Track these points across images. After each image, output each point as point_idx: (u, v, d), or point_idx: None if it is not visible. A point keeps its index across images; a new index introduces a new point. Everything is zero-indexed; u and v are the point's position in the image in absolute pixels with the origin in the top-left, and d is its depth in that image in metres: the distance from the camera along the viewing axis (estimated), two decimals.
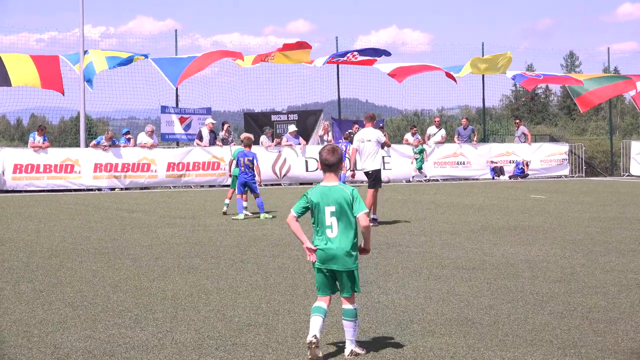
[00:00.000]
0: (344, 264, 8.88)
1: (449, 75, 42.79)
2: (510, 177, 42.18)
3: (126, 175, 35.76)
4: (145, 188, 35.80)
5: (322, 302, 8.94)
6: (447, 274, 13.50)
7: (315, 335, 8.57)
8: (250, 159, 23.25)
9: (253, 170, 23.27)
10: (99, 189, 35.39)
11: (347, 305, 8.93)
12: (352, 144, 23.05)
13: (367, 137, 21.70)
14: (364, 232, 9.03)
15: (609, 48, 52.47)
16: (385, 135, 23.04)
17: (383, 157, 40.23)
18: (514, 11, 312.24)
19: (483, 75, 45.81)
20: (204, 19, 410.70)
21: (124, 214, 24.21)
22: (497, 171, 42.35)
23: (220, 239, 18.41)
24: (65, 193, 33.86)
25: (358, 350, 8.83)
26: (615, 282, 12.78)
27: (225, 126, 39.18)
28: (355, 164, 21.66)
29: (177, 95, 40.90)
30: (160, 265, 14.67)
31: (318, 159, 9.28)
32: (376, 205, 21.73)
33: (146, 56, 38.98)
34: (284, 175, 38.38)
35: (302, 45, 40.17)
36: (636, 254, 15.65)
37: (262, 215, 22.92)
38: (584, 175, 45.55)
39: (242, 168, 23.16)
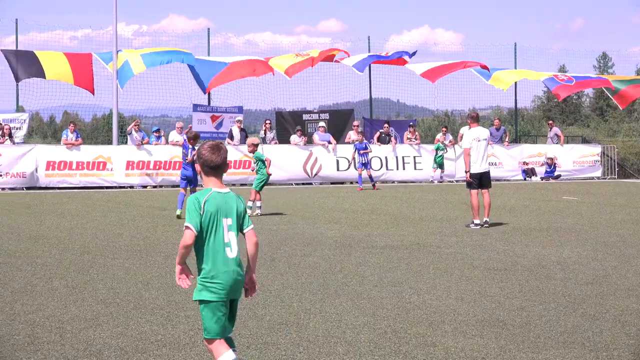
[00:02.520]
0: (240, 290, 7.42)
1: (483, 66, 42.73)
2: (542, 179, 42.02)
3: (158, 173, 35.91)
4: (177, 186, 35.90)
5: (232, 353, 7.29)
6: (478, 275, 13.47)
7: None
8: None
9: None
10: (131, 187, 35.57)
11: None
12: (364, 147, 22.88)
13: (483, 135, 21.10)
14: (253, 254, 7.47)
15: None
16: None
17: (415, 157, 40.29)
18: (547, 12, 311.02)
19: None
20: (236, 18, 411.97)
21: (156, 212, 24.31)
22: (529, 172, 42.19)
23: None
24: (97, 190, 34.04)
25: None
26: None
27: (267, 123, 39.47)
28: (469, 165, 20.95)
29: (209, 94, 41.02)
30: (192, 263, 14.68)
31: (196, 160, 7.46)
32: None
33: (190, 56, 39.06)
34: (315, 174, 38.39)
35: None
36: None
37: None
38: (616, 177, 45.31)
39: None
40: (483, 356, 8.67)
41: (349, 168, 37.67)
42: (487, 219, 20.76)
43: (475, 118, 21.49)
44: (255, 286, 7.56)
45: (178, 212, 21.98)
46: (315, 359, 8.57)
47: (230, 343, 7.41)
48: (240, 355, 8.17)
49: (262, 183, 23.53)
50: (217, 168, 7.31)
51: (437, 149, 39.77)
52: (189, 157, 22.44)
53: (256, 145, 23.77)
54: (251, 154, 24.19)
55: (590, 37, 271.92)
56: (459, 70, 44.02)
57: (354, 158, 35.94)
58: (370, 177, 34.92)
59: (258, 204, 23.57)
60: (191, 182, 22.54)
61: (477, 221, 20.55)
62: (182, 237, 7.32)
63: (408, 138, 40.58)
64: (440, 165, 39.94)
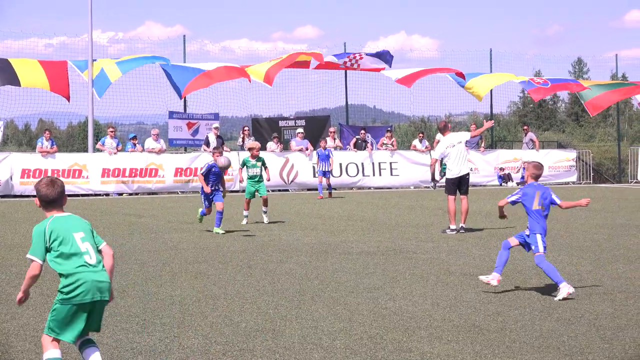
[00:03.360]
0: (106, 294, 7.73)
1: (459, 74, 42.90)
2: (518, 184, 42.13)
3: (134, 180, 35.80)
4: (153, 193, 35.87)
5: (57, 351, 7.76)
6: (454, 280, 13.50)
7: None
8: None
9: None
10: (107, 194, 35.45)
11: (89, 336, 7.88)
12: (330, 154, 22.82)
13: (456, 139, 21.03)
14: (111, 267, 7.86)
15: (617, 55, 52.44)
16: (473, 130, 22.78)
17: (391, 163, 40.33)
18: (523, 17, 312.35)
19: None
20: (212, 25, 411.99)
21: (132, 219, 24.24)
22: (505, 178, 42.31)
23: (228, 244, 18.43)
24: (72, 198, 33.88)
25: None
26: (622, 289, 12.77)
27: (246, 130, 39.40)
28: (433, 173, 20.98)
29: (185, 101, 40.95)
30: (167, 270, 14.69)
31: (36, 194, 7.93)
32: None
33: (167, 61, 39.00)
34: (292, 181, 38.39)
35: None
36: None
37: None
38: (591, 182, 45.52)
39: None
40: None
41: (340, 175, 37.75)
42: (463, 225, 20.84)
43: (443, 127, 21.83)
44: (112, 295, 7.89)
45: (219, 230, 20.60)
46: None
47: (90, 341, 7.85)
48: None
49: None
50: (54, 202, 7.78)
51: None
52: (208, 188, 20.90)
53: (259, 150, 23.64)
54: (254, 159, 23.35)
55: (566, 43, 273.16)
56: (435, 75, 44.14)
57: (318, 165, 35.42)
58: (329, 185, 34.41)
59: (246, 213, 23.18)
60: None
61: (453, 227, 20.63)
62: (29, 269, 7.77)
63: (384, 143, 40.60)
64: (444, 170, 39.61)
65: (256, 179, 23.11)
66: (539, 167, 13.25)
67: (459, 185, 21.03)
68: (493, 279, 12.53)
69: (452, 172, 20.98)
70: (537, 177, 13.08)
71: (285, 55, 40.66)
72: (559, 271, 12.41)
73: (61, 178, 33.79)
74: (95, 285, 7.62)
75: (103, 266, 7.72)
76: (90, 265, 7.65)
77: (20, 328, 10.14)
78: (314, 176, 38.39)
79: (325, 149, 34.78)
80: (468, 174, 21.33)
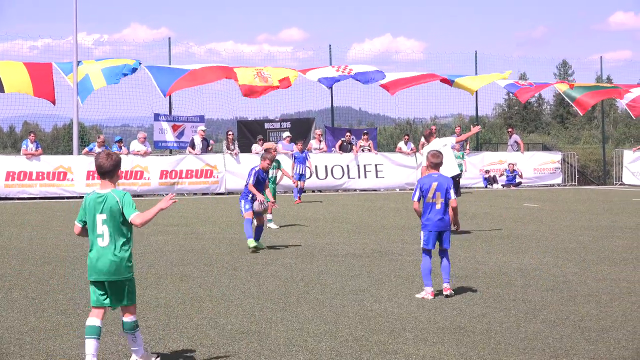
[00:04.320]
0: (118, 273, 8.48)
1: (444, 80, 42.90)
2: (503, 186, 42.21)
3: (119, 182, 35.68)
4: (138, 196, 35.76)
5: (96, 319, 8.53)
6: (439, 282, 13.50)
7: None
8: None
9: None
10: None
11: (127, 318, 8.62)
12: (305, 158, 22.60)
13: (441, 143, 21.01)
14: (144, 223, 8.50)
15: (601, 57, 52.45)
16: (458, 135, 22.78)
17: (376, 165, 40.32)
18: (508, 20, 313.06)
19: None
20: (198, 27, 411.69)
21: None
22: (490, 180, 42.37)
23: (213, 247, 18.40)
24: (58, 200, 33.82)
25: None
26: (607, 290, 12.81)
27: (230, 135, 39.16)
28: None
29: (170, 103, 40.87)
30: (153, 273, 14.66)
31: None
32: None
33: (138, 63, 38.91)
34: (277, 183, 38.28)
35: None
36: (628, 263, 15.69)
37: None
38: (576, 183, 45.60)
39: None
40: None
41: (310, 176, 37.63)
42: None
43: (429, 134, 21.73)
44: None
45: (252, 242, 17.87)
46: None
47: (126, 325, 8.63)
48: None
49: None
50: (106, 173, 8.56)
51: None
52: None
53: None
54: (269, 161, 22.72)
55: (551, 45, 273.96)
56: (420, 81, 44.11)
57: (293, 169, 34.58)
58: (301, 188, 33.80)
59: (270, 216, 22.50)
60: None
61: None
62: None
63: (362, 146, 40.55)
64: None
65: (272, 181, 22.89)
66: (437, 155, 12.93)
67: None
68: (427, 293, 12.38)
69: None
70: (435, 167, 12.79)
71: (268, 80, 40.54)
72: (545, 273, 12.42)
73: (45, 181, 34.12)
74: (95, 266, 8.45)
75: (113, 249, 8.43)
76: (100, 247, 8.45)
77: (5, 331, 10.11)
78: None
79: (302, 151, 34.30)
80: (458, 175, 21.37)
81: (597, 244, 18.56)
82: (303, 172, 33.61)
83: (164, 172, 36.31)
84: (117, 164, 8.61)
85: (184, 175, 36.48)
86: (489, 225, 22.72)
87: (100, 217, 8.46)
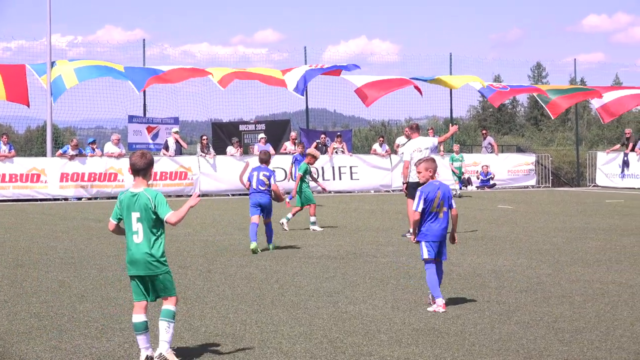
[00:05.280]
0: (151, 269, 8.90)
1: (417, 88, 42.87)
2: (477, 188, 42.32)
3: (93, 185, 35.54)
4: (113, 198, 35.61)
5: (140, 315, 8.95)
6: (414, 284, 13.53)
7: (147, 356, 8.82)
8: (267, 174, 18.92)
9: (269, 189, 18.83)
10: (66, 199, 35.19)
11: (168, 306, 8.98)
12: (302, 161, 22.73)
13: (424, 145, 20.71)
14: (178, 222, 8.86)
15: (575, 59, 52.63)
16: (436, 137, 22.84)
17: (351, 167, 40.33)
18: (483, 22, 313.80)
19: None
20: (172, 29, 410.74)
21: (91, 224, 24.10)
22: (465, 181, 42.46)
23: (188, 249, 18.36)
24: (31, 203, 33.66)
25: (170, 357, 8.78)
26: (580, 291, 12.86)
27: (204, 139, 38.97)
28: (407, 177, 20.68)
29: (144, 105, 40.79)
30: (127, 275, 14.56)
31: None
32: None
33: (111, 73, 38.67)
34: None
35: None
36: (601, 264, 15.76)
37: (270, 246, 18.70)
38: (550, 185, 45.79)
39: (255, 185, 18.84)
40: None
41: (285, 178, 37.60)
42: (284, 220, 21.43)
43: (415, 128, 21.48)
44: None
45: (253, 245, 17.83)
46: None
47: (163, 312, 8.97)
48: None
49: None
50: (140, 170, 8.96)
51: (452, 160, 39.14)
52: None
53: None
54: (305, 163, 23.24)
55: (525, 47, 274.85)
56: (395, 79, 43.93)
57: (291, 171, 34.69)
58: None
59: (313, 219, 22.75)
60: (264, 211, 18.63)
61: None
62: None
63: (335, 148, 40.52)
64: (459, 177, 38.72)
65: (307, 185, 23.07)
66: (432, 160, 12.17)
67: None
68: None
69: (414, 177, 20.96)
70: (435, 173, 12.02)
71: (254, 70, 40.55)
72: (519, 274, 12.43)
73: (18, 183, 33.93)
74: (132, 262, 8.91)
75: (147, 245, 8.84)
76: (135, 244, 8.86)
77: None
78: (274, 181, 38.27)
79: (303, 154, 34.05)
80: None
81: (570, 246, 18.64)
82: None
83: None
84: (150, 163, 9.01)
85: (158, 177, 36.29)
86: (463, 226, 22.75)
87: (135, 215, 8.85)
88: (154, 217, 8.82)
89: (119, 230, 9.12)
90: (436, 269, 11.76)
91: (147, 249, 8.83)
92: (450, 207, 11.84)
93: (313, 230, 22.28)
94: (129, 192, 8.96)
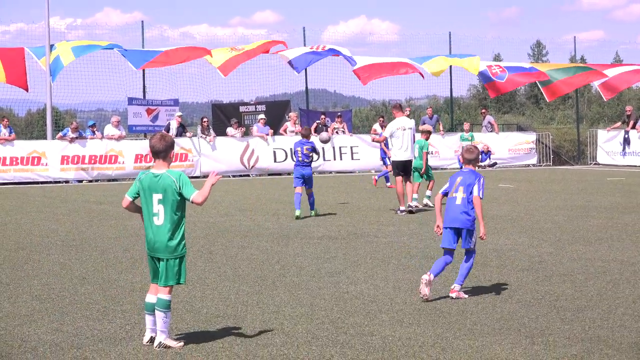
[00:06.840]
0: (169, 251, 8.83)
1: (420, 74, 42.73)
2: (478, 167, 42.25)
3: (93, 167, 35.52)
4: (113, 180, 35.64)
5: (153, 296, 8.90)
6: (415, 264, 13.53)
7: (151, 337, 8.84)
8: (310, 147, 21.07)
9: (311, 162, 21.22)
10: (66, 181, 35.18)
11: (161, 295, 8.83)
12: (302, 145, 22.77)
13: (408, 124, 21.64)
14: (203, 201, 8.84)
15: (575, 37, 52.46)
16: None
17: (352, 147, 40.32)
18: (482, 0, 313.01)
19: (450, 66, 45.80)
20: (171, 11, 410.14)
21: (92, 206, 24.09)
22: None
23: (189, 230, 18.30)
24: (32, 185, 33.65)
25: (170, 342, 8.75)
26: (582, 270, 12.86)
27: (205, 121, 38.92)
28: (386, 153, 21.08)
29: (144, 87, 40.68)
30: (128, 257, 14.61)
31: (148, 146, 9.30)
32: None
33: (112, 47, 38.67)
34: (253, 166, 38.27)
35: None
36: (602, 242, 15.75)
37: (313, 212, 20.97)
38: (551, 164, 45.73)
39: (301, 158, 20.93)
40: (420, 344, 8.70)
41: (286, 159, 37.57)
42: (410, 204, 21.64)
43: (398, 107, 22.26)
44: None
45: (297, 212, 20.29)
46: (253, 351, 8.54)
47: (158, 302, 8.82)
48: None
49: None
50: (160, 153, 8.91)
51: (462, 140, 39.22)
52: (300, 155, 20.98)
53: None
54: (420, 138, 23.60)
55: (524, 25, 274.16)
56: (396, 59, 43.79)
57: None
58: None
59: (429, 193, 23.70)
60: (307, 182, 20.90)
61: (402, 208, 21.21)
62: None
63: (335, 128, 40.47)
64: None
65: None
66: (471, 150, 11.56)
67: (405, 168, 21.49)
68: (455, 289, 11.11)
69: (398, 156, 21.37)
70: (468, 162, 11.44)
71: (249, 47, 40.46)
72: (521, 253, 12.42)
73: (19, 166, 33.92)
74: (150, 244, 8.89)
75: (167, 228, 8.78)
76: (156, 226, 8.84)
77: None
78: (275, 161, 38.31)
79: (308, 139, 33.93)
80: (411, 160, 21.65)
81: (572, 224, 18.63)
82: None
83: (139, 156, 36.13)
84: (170, 145, 8.97)
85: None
86: None
87: (157, 197, 8.81)
88: (179, 198, 8.78)
89: (134, 208, 9.07)
90: (464, 257, 11.27)
91: (167, 231, 8.78)
92: (470, 193, 11.09)
93: (425, 204, 23.07)
94: (150, 172, 8.92)
